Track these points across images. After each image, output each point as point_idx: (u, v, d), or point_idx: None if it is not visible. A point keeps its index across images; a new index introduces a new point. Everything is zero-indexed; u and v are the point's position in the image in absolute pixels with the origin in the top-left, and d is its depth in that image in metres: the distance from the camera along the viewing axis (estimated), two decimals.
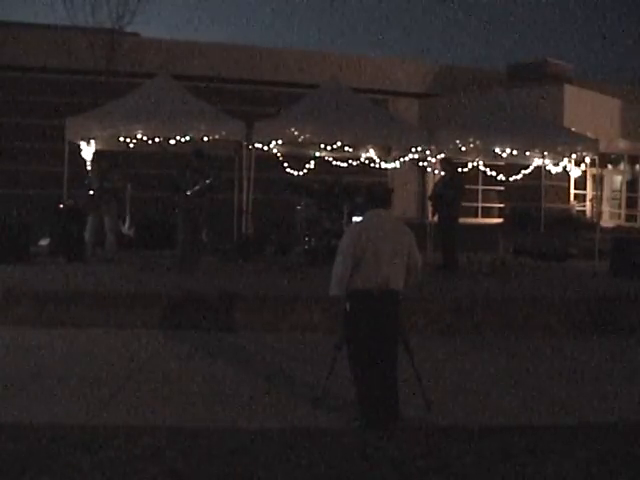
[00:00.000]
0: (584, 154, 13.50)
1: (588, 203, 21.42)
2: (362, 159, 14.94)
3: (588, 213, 21.16)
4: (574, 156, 13.77)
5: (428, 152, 12.80)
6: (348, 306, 5.11)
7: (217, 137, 12.29)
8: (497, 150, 13.38)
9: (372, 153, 14.60)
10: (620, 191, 23.44)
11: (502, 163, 15.34)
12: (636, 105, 22.73)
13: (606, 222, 20.43)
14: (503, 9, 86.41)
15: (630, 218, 23.11)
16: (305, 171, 14.81)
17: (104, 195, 11.60)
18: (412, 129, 14.05)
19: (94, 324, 7.83)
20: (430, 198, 11.94)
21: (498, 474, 4.18)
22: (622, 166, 23.16)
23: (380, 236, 5.04)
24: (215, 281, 9.24)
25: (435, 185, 11.91)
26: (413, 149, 13.16)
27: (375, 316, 5.00)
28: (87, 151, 12.91)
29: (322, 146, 13.61)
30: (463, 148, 12.93)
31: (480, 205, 22.75)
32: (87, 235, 11.50)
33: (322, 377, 5.26)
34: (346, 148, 13.52)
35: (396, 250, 5.04)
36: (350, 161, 15.07)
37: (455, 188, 11.37)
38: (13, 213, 11.63)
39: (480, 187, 21.94)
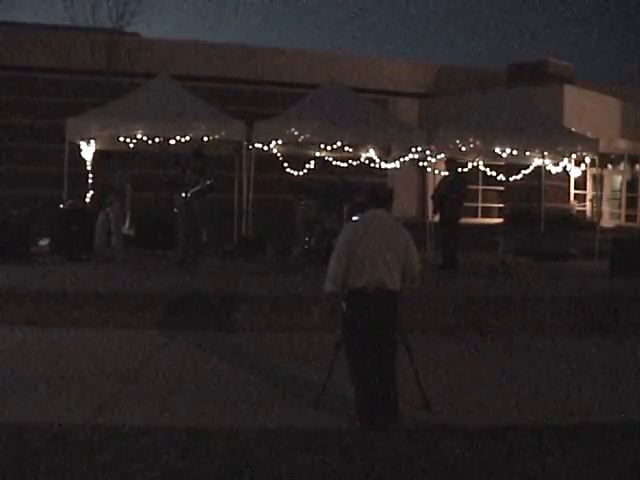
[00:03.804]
0: (584, 154, 13.50)
1: (588, 203, 21.44)
2: (362, 159, 14.95)
3: (588, 213, 21.18)
4: (574, 156, 13.78)
5: (428, 152, 12.80)
6: (345, 306, 5.12)
7: (217, 137, 12.29)
8: (497, 150, 13.37)
9: (372, 153, 14.60)
10: (620, 191, 23.45)
11: (502, 163, 15.34)
12: (636, 105, 22.75)
13: (606, 222, 20.46)
14: (503, 9, 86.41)
15: (630, 218, 23.12)
16: (305, 171, 14.82)
17: (109, 194, 11.62)
18: (412, 129, 14.04)
19: (94, 324, 7.82)
20: (432, 198, 11.93)
21: (498, 474, 4.18)
22: (622, 166, 23.18)
23: (375, 236, 5.04)
24: (215, 281, 9.24)
25: (437, 185, 11.90)
26: (413, 149, 13.16)
27: (372, 316, 5.00)
28: (87, 151, 12.93)
29: (322, 146, 13.62)
30: (463, 148, 12.93)
31: (480, 205, 22.77)
32: (96, 235, 11.54)
33: (322, 377, 5.26)
34: (346, 148, 13.52)
35: (391, 251, 5.03)
36: (350, 161, 15.07)
37: (458, 190, 11.37)
38: (13, 213, 11.62)
39: (480, 187, 21.97)
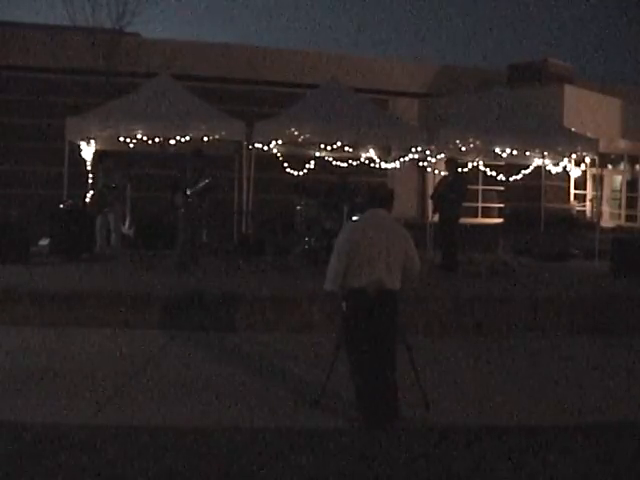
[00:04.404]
0: (584, 154, 13.50)
1: (588, 203, 21.43)
2: (362, 159, 14.95)
3: (588, 213, 21.17)
4: (574, 156, 13.78)
5: (428, 152, 12.80)
6: (345, 305, 5.12)
7: (217, 137, 12.30)
8: (497, 150, 13.38)
9: (372, 153, 14.60)
10: (620, 191, 23.45)
11: (502, 163, 15.34)
12: (636, 105, 22.74)
13: (606, 222, 20.45)
14: (503, 9, 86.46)
15: (630, 218, 23.11)
16: (305, 171, 14.82)
17: (108, 194, 11.63)
18: (412, 129, 14.05)
19: (94, 324, 7.83)
20: (432, 197, 11.93)
21: (498, 474, 4.18)
22: (622, 166, 23.17)
23: (375, 235, 5.04)
24: (215, 281, 9.24)
25: (437, 185, 11.90)
26: (413, 149, 13.17)
27: (371, 315, 5.00)
28: (87, 151, 12.93)
29: (322, 146, 13.62)
30: (463, 148, 12.93)
31: (480, 205, 22.75)
32: (97, 235, 11.59)
33: (322, 377, 5.26)
34: (346, 148, 13.53)
35: (391, 250, 5.03)
36: (350, 161, 15.07)
37: (458, 189, 11.37)
38: (13, 213, 11.63)
39: (480, 187, 21.95)
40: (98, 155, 12.86)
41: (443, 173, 12.20)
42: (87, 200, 12.35)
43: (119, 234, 11.94)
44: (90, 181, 12.73)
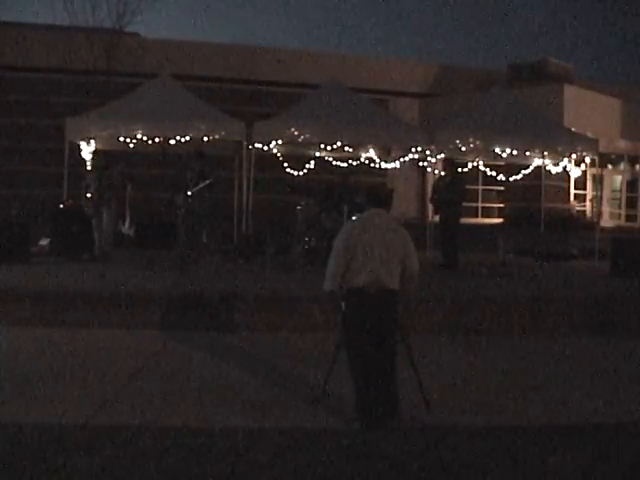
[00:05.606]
0: (584, 154, 13.51)
1: (588, 203, 21.45)
2: (362, 159, 14.95)
3: (588, 213, 21.18)
4: (574, 156, 13.79)
5: (428, 152, 12.80)
6: (344, 305, 5.12)
7: (217, 137, 12.30)
8: (497, 150, 13.38)
9: (372, 153, 14.61)
10: (620, 191, 23.46)
11: (502, 163, 15.35)
12: (636, 105, 22.76)
13: (606, 222, 20.46)
14: (503, 9, 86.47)
15: (630, 218, 23.13)
16: (305, 171, 14.82)
17: (104, 194, 11.61)
18: (412, 129, 14.05)
19: (94, 324, 7.82)
20: (432, 200, 11.92)
21: (498, 474, 4.18)
22: (622, 166, 23.18)
23: (373, 235, 5.03)
24: (215, 281, 9.23)
25: (436, 185, 11.89)
26: (413, 149, 13.17)
27: (371, 315, 5.00)
28: (87, 151, 12.93)
29: (322, 146, 13.62)
30: (463, 148, 12.93)
31: (480, 205, 22.77)
32: (95, 235, 11.59)
33: (322, 377, 5.26)
34: (346, 148, 13.53)
35: (390, 250, 5.03)
36: (350, 161, 15.08)
37: (457, 189, 11.36)
38: (13, 213, 11.61)
39: (480, 187, 21.97)
40: (98, 155, 12.87)
41: (443, 174, 12.20)
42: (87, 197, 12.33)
43: (111, 234, 11.88)
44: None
